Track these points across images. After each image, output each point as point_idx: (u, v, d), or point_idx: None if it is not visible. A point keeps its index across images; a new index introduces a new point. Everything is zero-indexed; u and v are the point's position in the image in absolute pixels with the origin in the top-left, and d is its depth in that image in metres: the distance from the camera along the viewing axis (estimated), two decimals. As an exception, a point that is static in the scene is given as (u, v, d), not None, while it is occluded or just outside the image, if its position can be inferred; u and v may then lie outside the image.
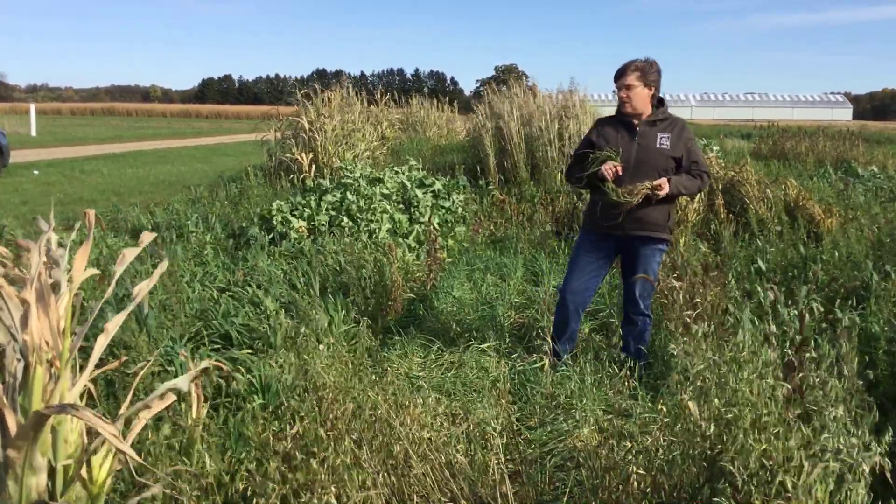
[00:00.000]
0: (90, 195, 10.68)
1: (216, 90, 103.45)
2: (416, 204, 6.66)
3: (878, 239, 5.14)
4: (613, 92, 3.54)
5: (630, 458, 2.19)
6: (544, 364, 3.51)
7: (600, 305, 4.61)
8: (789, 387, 1.98)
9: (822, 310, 2.34)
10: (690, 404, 2.07)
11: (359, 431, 2.38)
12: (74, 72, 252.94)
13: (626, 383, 3.19)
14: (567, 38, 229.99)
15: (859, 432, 1.85)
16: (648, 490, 2.09)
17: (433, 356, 3.81)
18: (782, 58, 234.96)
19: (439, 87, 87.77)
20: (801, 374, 2.01)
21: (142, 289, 2.12)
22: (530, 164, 9.17)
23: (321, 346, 3.02)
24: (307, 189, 7.18)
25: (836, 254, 4.85)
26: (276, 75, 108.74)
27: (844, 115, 66.29)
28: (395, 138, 13.79)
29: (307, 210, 6.13)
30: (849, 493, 1.80)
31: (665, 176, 3.39)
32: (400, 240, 5.83)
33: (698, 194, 5.90)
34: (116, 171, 14.55)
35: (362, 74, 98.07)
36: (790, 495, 1.78)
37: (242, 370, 3.08)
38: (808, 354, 2.04)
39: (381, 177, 7.04)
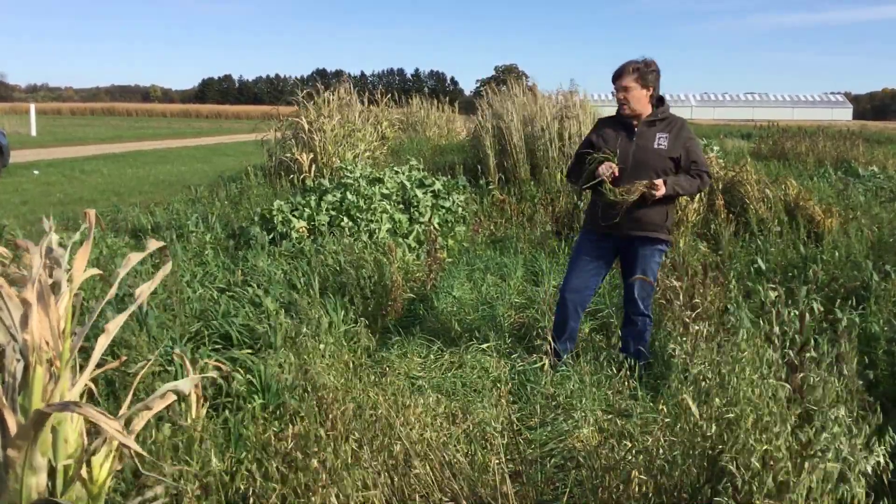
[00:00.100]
0: (90, 195, 10.68)
1: (216, 90, 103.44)
2: (416, 204, 6.66)
3: (878, 239, 5.14)
4: (612, 93, 3.55)
5: (630, 458, 2.19)
6: (544, 364, 3.51)
7: (600, 305, 4.61)
8: (790, 387, 1.98)
9: (822, 310, 2.34)
10: (691, 404, 2.07)
11: (359, 431, 2.38)
12: (74, 72, 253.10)
13: (626, 383, 3.19)
14: (567, 38, 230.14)
15: (860, 433, 1.85)
16: (649, 490, 2.09)
17: (433, 356, 3.81)
18: (782, 58, 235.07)
19: (439, 87, 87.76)
20: (801, 375, 2.01)
21: (143, 290, 2.12)
22: (530, 164, 9.17)
23: (321, 347, 3.02)
24: (307, 189, 7.18)
25: (836, 254, 4.85)
26: (276, 75, 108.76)
27: (844, 115, 66.28)
28: (395, 138, 13.80)
29: (307, 210, 6.13)
30: (849, 493, 1.80)
31: (663, 176, 3.39)
32: (400, 240, 5.83)
33: (698, 194, 5.90)
34: (116, 171, 14.55)
35: (362, 74, 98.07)
36: (791, 496, 1.78)
37: (242, 370, 3.08)
38: (808, 354, 2.04)
39: (381, 177, 7.04)
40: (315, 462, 2.11)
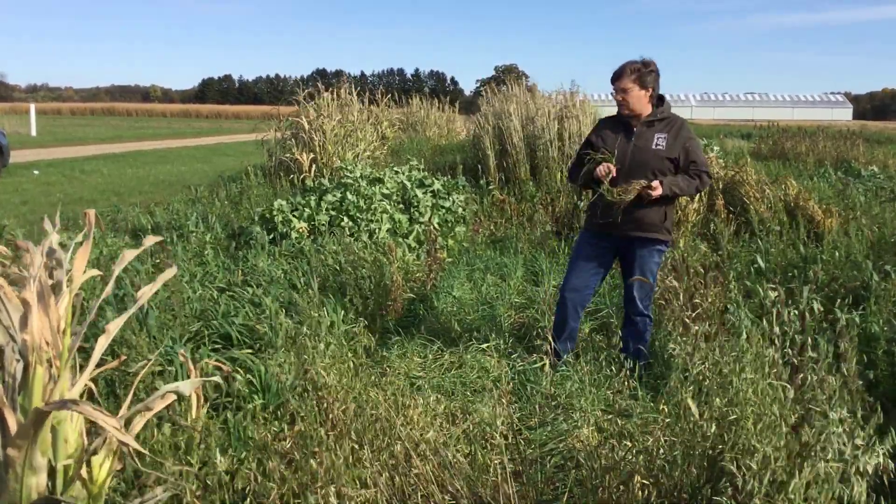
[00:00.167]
0: (90, 195, 10.68)
1: (216, 90, 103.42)
2: (416, 204, 6.65)
3: (878, 239, 5.14)
4: (612, 93, 3.55)
5: (630, 458, 2.19)
6: (544, 364, 3.51)
7: (600, 305, 4.61)
8: (790, 387, 1.98)
9: (822, 310, 2.34)
10: (690, 404, 2.07)
11: (359, 431, 2.38)
12: (74, 72, 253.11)
13: (626, 383, 3.19)
14: (567, 38, 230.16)
15: (860, 433, 1.85)
16: (649, 490, 2.09)
17: (433, 356, 3.81)
18: (782, 58, 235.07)
19: (439, 87, 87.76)
20: (801, 375, 2.01)
21: (145, 292, 2.12)
22: (530, 164, 9.17)
23: (321, 346, 3.02)
24: (307, 189, 7.18)
25: (836, 254, 4.85)
26: (276, 75, 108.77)
27: (844, 115, 66.29)
28: (395, 138, 13.80)
29: (307, 210, 6.13)
30: (849, 493, 1.80)
31: (661, 177, 3.39)
32: (400, 240, 5.82)
33: (698, 194, 5.89)
34: (116, 171, 14.55)
35: (362, 74, 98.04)
36: (791, 496, 1.78)
37: (242, 370, 3.08)
38: (808, 355, 2.04)
39: (381, 177, 7.04)
40: (314, 462, 2.11)
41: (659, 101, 3.51)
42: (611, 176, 3.41)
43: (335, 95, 10.62)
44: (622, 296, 3.82)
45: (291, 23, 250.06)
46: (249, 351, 3.38)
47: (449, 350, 3.86)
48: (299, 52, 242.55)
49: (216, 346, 3.52)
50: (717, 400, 2.02)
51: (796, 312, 2.18)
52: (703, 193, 6.44)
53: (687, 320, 3.20)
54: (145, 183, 12.47)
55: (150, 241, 2.17)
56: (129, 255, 2.09)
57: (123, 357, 2.44)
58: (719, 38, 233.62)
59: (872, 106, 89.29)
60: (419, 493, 2.28)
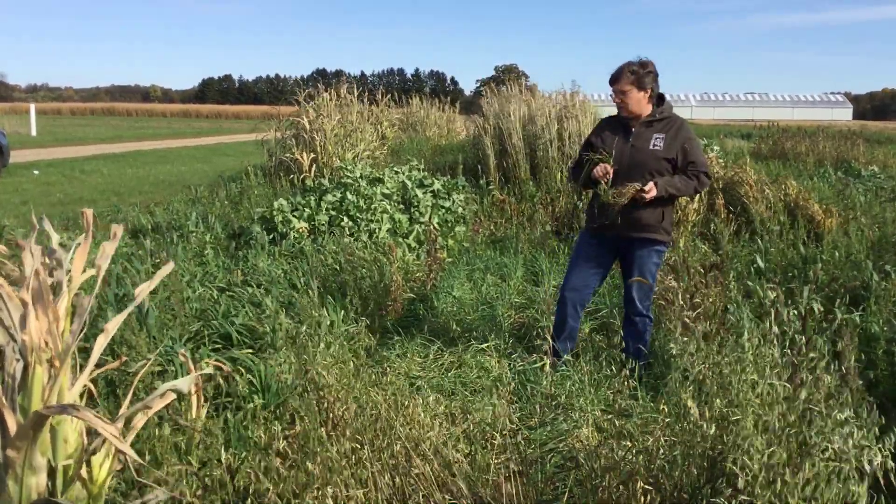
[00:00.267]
0: (90, 195, 10.68)
1: (216, 90, 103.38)
2: (416, 204, 6.65)
3: (878, 239, 5.14)
4: (610, 95, 3.56)
5: (630, 458, 2.19)
6: (544, 364, 3.51)
7: (600, 305, 4.61)
8: (790, 387, 1.98)
9: (822, 310, 2.34)
10: (690, 404, 2.07)
11: (360, 431, 2.38)
12: (74, 72, 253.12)
13: (626, 383, 3.19)
14: (567, 38, 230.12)
15: (861, 433, 1.84)
16: (649, 490, 2.09)
17: (433, 356, 3.81)
18: (782, 58, 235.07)
19: (439, 87, 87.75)
20: (802, 375, 2.01)
21: (143, 290, 2.12)
22: (530, 164, 9.17)
23: (322, 346, 3.02)
24: (307, 189, 7.18)
25: (836, 254, 4.85)
26: (276, 75, 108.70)
27: (844, 115, 66.31)
28: (395, 138, 13.79)
29: (307, 210, 6.13)
30: (849, 493, 1.79)
31: (658, 177, 3.39)
32: (400, 240, 5.82)
33: (698, 194, 5.89)
34: (116, 171, 14.55)
35: (362, 74, 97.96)
36: (791, 496, 1.78)
37: (242, 370, 3.08)
38: (809, 355, 2.04)
39: (382, 177, 7.03)
40: (312, 462, 2.11)
41: (659, 100, 3.50)
42: (608, 177, 3.41)
43: (335, 95, 10.62)
44: (622, 296, 3.82)
45: (291, 23, 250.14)
46: (249, 351, 3.38)
47: (449, 350, 3.86)
48: (299, 52, 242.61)
49: (216, 346, 3.52)
50: (717, 401, 2.02)
51: (796, 312, 2.18)
52: (703, 193, 6.43)
53: (687, 320, 3.20)
54: (145, 183, 12.47)
55: (118, 230, 2.16)
56: (109, 247, 2.08)
57: (124, 358, 2.44)
58: (719, 38, 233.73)
59: (872, 106, 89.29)
60: (419, 493, 2.28)
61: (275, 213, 6.05)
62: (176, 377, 2.94)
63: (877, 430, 1.89)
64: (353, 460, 2.24)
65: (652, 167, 3.42)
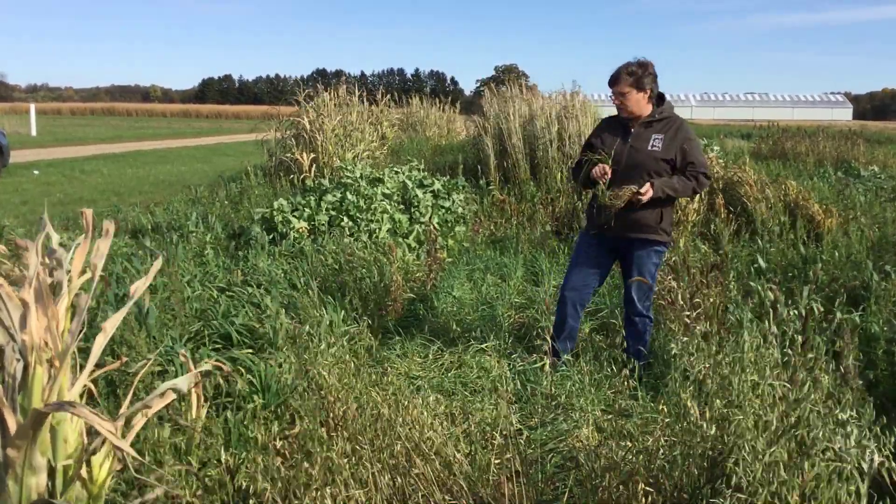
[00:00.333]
0: (90, 195, 10.68)
1: (216, 90, 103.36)
2: (416, 204, 6.65)
3: (878, 239, 5.14)
4: (609, 97, 3.56)
5: (630, 458, 2.19)
6: (544, 364, 3.51)
7: (600, 305, 4.61)
8: (790, 387, 1.98)
9: (822, 310, 2.34)
10: (689, 404, 2.07)
11: (360, 431, 2.38)
12: (74, 72, 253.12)
13: (626, 383, 3.19)
14: (567, 38, 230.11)
15: (861, 433, 1.84)
16: (649, 490, 2.09)
17: (433, 356, 3.81)
18: (782, 58, 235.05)
19: (439, 87, 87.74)
20: (801, 375, 2.01)
21: (138, 287, 2.12)
22: (530, 165, 9.17)
23: (322, 346, 3.02)
24: (307, 189, 7.18)
25: (836, 254, 4.85)
26: (276, 75, 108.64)
27: (844, 115, 66.33)
28: (395, 138, 13.79)
29: (307, 210, 6.13)
30: (849, 493, 1.80)
31: (656, 178, 3.39)
32: (400, 240, 5.82)
33: (697, 195, 5.88)
34: (116, 171, 14.55)
35: (362, 74, 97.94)
36: (790, 496, 1.78)
37: (242, 370, 3.08)
38: (809, 355, 2.04)
39: (382, 177, 7.03)
40: (310, 462, 2.11)
41: (659, 100, 3.50)
42: (606, 178, 3.41)
43: (335, 95, 10.61)
44: (622, 296, 3.82)
45: (291, 23, 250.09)
46: (249, 351, 3.38)
47: (449, 350, 3.86)
48: (299, 52, 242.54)
49: (216, 346, 3.52)
50: (717, 401, 2.02)
51: (796, 312, 2.18)
52: (703, 193, 6.43)
53: (688, 320, 3.21)
54: (145, 183, 12.47)
55: (110, 227, 2.16)
56: (103, 245, 2.08)
57: (125, 358, 2.44)
58: (719, 38, 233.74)
59: (872, 106, 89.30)
60: (419, 493, 2.28)
61: (275, 213, 6.05)
62: (176, 377, 2.94)
63: (877, 429, 1.89)
64: (353, 460, 2.24)
65: (650, 168, 3.42)
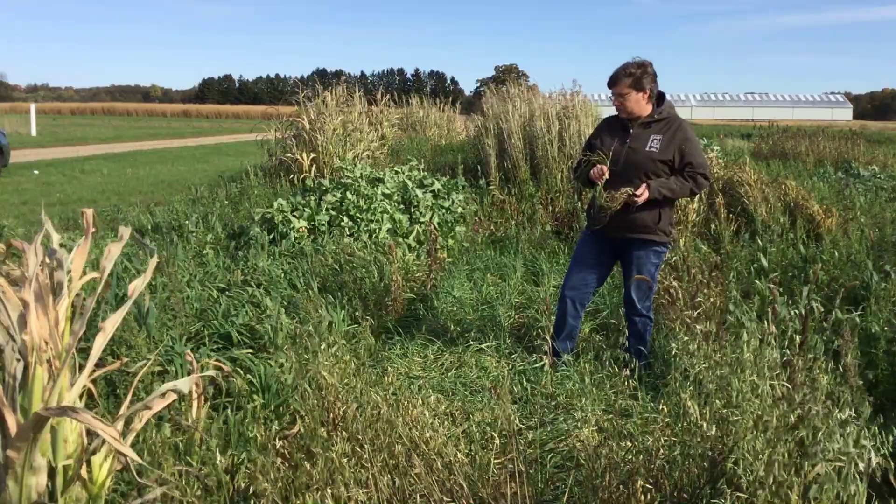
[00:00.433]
0: (90, 195, 10.68)
1: (216, 90, 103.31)
2: (416, 204, 6.65)
3: (878, 239, 5.14)
4: (609, 98, 3.56)
5: (630, 458, 2.19)
6: (544, 364, 3.51)
7: (600, 305, 4.61)
8: (790, 387, 1.98)
9: (822, 310, 2.34)
10: (689, 404, 2.07)
11: (360, 431, 2.38)
12: (74, 72, 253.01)
13: (627, 383, 3.19)
14: (567, 38, 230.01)
15: (860, 433, 1.84)
16: (649, 490, 2.09)
17: (433, 356, 3.81)
18: (782, 58, 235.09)
19: (439, 87, 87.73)
20: (801, 374, 2.01)
21: (136, 286, 2.12)
22: (530, 164, 9.16)
23: (323, 346, 3.02)
24: (307, 189, 7.18)
25: (836, 254, 4.85)
26: (276, 75, 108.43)
27: (844, 115, 66.35)
28: (395, 138, 13.78)
29: (307, 210, 6.13)
30: (850, 493, 1.79)
31: (654, 179, 3.39)
32: (400, 240, 5.82)
33: (696, 195, 5.88)
34: (116, 171, 14.55)
35: (362, 74, 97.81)
36: (790, 496, 1.78)
37: (242, 370, 3.08)
38: (809, 355, 2.04)
39: (382, 177, 7.03)
40: (311, 462, 2.11)
41: (659, 99, 3.50)
42: (604, 178, 3.42)
43: (335, 95, 10.61)
44: (623, 296, 3.82)
45: (291, 23, 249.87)
46: (249, 351, 3.38)
47: (449, 350, 3.86)
48: (299, 52, 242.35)
49: (216, 346, 3.52)
50: (717, 401, 2.02)
51: (796, 312, 2.18)
52: (703, 193, 6.42)
53: (688, 320, 3.20)
54: (145, 183, 12.47)
55: (125, 231, 2.16)
56: (115, 249, 2.08)
57: (124, 359, 2.44)
58: (719, 39, 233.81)
59: (872, 106, 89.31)
60: (419, 493, 2.28)
61: (275, 212, 6.05)
62: (176, 377, 2.94)
63: (876, 429, 1.89)
64: (353, 460, 2.24)
65: (648, 169, 3.42)
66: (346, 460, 2.19)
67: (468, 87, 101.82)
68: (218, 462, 2.20)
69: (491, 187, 8.62)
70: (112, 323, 2.00)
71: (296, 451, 2.22)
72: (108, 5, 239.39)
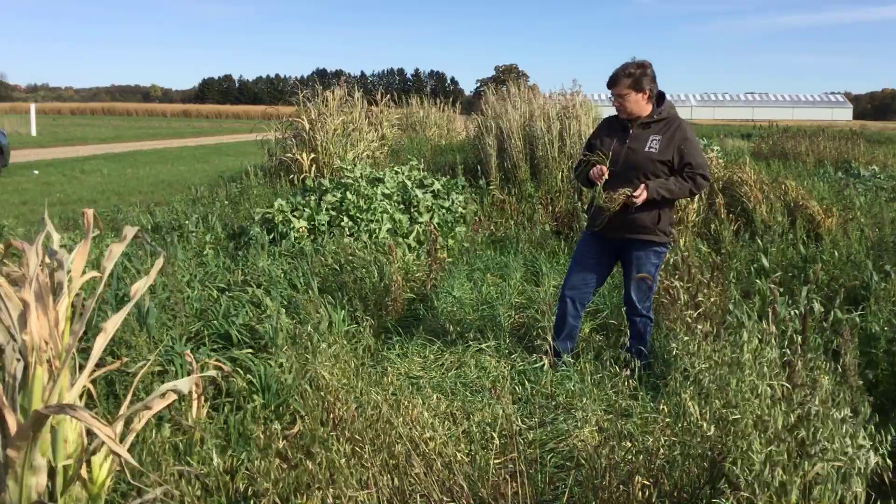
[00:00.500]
0: (90, 195, 10.68)
1: (216, 90, 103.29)
2: (416, 204, 6.65)
3: (878, 239, 5.14)
4: (609, 98, 3.56)
5: (630, 458, 2.19)
6: (544, 364, 3.51)
7: (601, 305, 4.61)
8: (790, 387, 1.98)
9: (822, 310, 2.34)
10: (689, 404, 2.07)
11: (360, 431, 2.38)
12: (74, 72, 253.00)
13: (627, 383, 3.19)
14: (567, 38, 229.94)
15: (860, 433, 1.85)
16: (649, 490, 2.09)
17: (433, 356, 3.81)
18: (782, 58, 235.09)
19: (439, 87, 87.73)
20: (801, 375, 2.01)
21: (139, 287, 2.12)
22: (530, 164, 9.16)
23: (324, 346, 3.02)
24: (307, 189, 7.18)
25: (836, 254, 4.85)
26: (276, 75, 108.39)
27: (844, 115, 66.36)
28: (395, 138, 13.78)
29: (307, 210, 6.13)
30: (849, 493, 1.80)
31: (653, 179, 3.39)
32: (400, 240, 5.82)
33: (696, 195, 5.88)
34: (116, 171, 14.55)
35: (362, 74, 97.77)
36: (790, 496, 1.78)
37: (242, 370, 3.08)
38: (808, 355, 2.04)
39: (382, 177, 7.03)
40: (311, 462, 2.11)
41: (660, 99, 3.49)
42: (603, 179, 3.42)
43: (335, 95, 10.61)
44: (623, 296, 3.82)
45: (291, 23, 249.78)
46: (250, 351, 3.38)
47: (449, 350, 3.86)
48: (299, 52, 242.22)
49: (216, 346, 3.52)
50: (717, 401, 2.02)
51: (796, 312, 2.18)
52: (703, 193, 6.42)
53: (689, 320, 3.20)
54: (145, 183, 12.47)
55: (129, 231, 2.16)
56: (117, 249, 2.08)
57: (125, 359, 2.44)
58: (719, 39, 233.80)
59: (872, 106, 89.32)
60: (419, 493, 2.28)
61: (275, 212, 6.05)
62: (176, 377, 2.94)
63: (872, 428, 1.89)
64: (353, 460, 2.24)
65: (647, 169, 3.41)
66: (346, 460, 2.19)
67: (468, 87, 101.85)
68: (218, 462, 2.20)
69: (491, 187, 8.62)
70: (113, 323, 2.00)
71: (296, 452, 2.22)
72: (108, 5, 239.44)
